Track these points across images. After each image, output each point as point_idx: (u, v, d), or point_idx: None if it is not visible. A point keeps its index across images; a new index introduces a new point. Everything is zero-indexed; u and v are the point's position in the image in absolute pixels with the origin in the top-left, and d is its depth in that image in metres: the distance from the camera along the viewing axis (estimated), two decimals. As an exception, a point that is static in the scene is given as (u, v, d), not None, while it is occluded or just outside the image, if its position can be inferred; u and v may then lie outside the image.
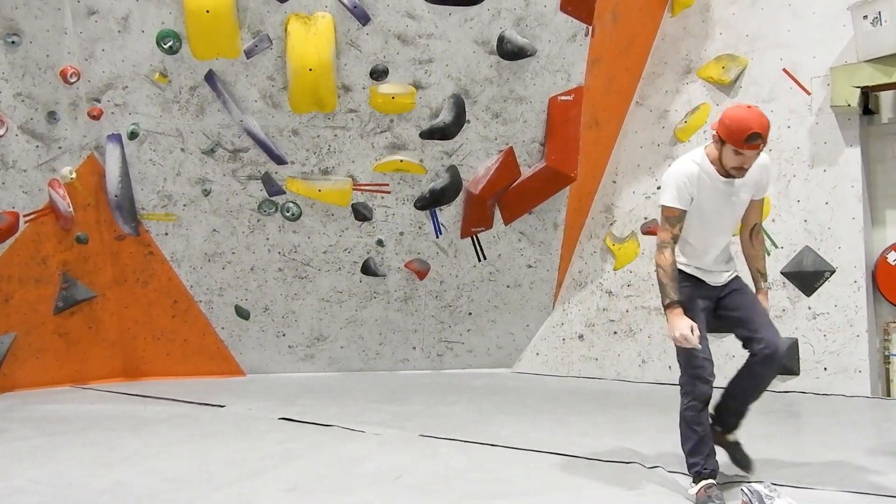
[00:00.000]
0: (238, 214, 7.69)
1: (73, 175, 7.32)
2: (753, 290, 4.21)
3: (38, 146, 7.18)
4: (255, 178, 7.55)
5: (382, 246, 7.87)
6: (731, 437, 4.22)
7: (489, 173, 7.52)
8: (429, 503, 4.06)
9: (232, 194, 7.61)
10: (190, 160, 7.47)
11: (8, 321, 7.30)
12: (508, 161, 7.53)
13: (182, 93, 7.23)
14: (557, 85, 7.31)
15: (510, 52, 7.10)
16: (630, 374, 7.62)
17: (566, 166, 7.50)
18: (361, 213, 7.71)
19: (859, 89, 6.52)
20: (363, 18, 6.95)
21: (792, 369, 6.71)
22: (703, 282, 4.07)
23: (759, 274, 4.23)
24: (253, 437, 5.58)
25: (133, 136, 7.33)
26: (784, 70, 7.11)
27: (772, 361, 3.92)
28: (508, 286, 8.11)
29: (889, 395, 6.59)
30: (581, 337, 8.00)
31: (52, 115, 7.17)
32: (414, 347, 8.30)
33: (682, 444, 4.03)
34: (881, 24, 6.29)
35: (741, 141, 3.73)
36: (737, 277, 4.17)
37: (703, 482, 3.89)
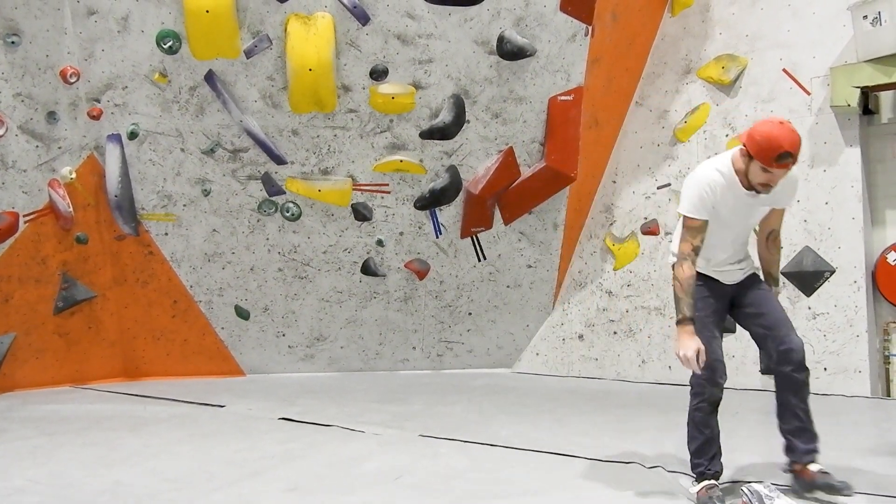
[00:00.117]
0: (238, 214, 7.68)
1: (73, 175, 7.32)
2: None
3: (37, 146, 7.18)
4: (254, 178, 7.55)
5: (382, 246, 7.87)
6: (812, 468, 3.86)
7: (489, 173, 7.52)
8: (429, 503, 4.05)
9: (232, 194, 7.61)
10: (190, 160, 7.47)
11: (8, 321, 7.30)
12: (508, 161, 7.52)
13: (182, 93, 7.22)
14: (557, 85, 7.31)
15: (510, 52, 7.10)
16: (630, 374, 7.62)
17: (566, 166, 7.50)
18: (361, 213, 7.71)
19: (859, 89, 6.52)
20: (363, 18, 6.94)
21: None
22: (718, 281, 3.99)
23: (771, 278, 4.16)
24: (253, 437, 5.57)
25: (133, 136, 7.33)
26: (784, 70, 7.11)
27: (789, 357, 3.80)
28: (508, 286, 8.11)
29: (889, 395, 6.59)
30: (581, 337, 8.00)
31: (51, 116, 7.17)
32: (414, 347, 8.29)
33: (687, 443, 3.99)
34: (881, 24, 6.29)
35: (771, 159, 3.55)
36: (753, 274, 4.09)
37: (705, 482, 3.87)
